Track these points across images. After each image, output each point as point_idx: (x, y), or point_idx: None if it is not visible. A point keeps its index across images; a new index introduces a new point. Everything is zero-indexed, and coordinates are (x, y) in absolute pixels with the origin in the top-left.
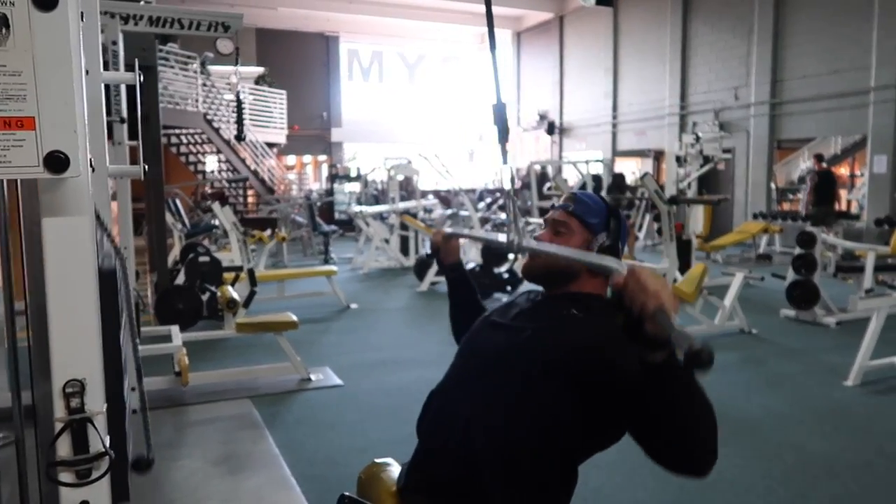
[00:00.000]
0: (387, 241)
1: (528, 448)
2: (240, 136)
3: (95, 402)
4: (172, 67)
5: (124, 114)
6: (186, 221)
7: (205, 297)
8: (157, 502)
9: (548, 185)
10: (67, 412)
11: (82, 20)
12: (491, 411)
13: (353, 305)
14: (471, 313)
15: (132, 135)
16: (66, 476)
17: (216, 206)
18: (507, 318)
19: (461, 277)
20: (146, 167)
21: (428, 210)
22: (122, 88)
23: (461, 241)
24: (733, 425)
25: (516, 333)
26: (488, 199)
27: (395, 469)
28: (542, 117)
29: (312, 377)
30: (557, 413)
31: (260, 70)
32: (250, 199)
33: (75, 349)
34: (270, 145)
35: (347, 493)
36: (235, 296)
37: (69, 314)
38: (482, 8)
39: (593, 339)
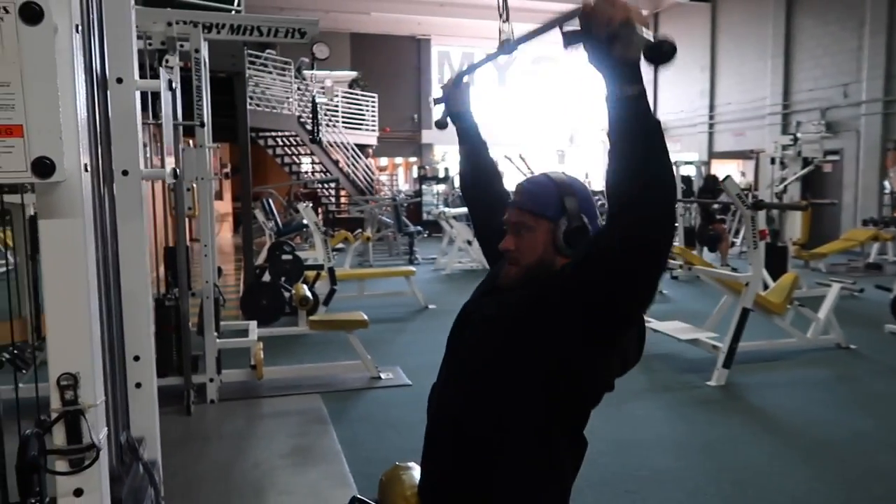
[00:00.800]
0: (469, 242)
1: (517, 420)
2: (314, 139)
3: (88, 396)
4: (270, 73)
5: (205, 118)
6: (279, 221)
7: (287, 294)
8: (221, 490)
9: None
10: (62, 403)
11: (77, 32)
12: (472, 402)
13: (432, 306)
14: (480, 169)
15: (220, 137)
16: (60, 464)
17: (301, 205)
18: (476, 306)
19: (470, 127)
20: (233, 169)
21: None
22: (205, 94)
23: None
24: (816, 446)
25: (481, 317)
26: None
27: (416, 472)
28: None
29: (382, 376)
30: (533, 367)
31: (353, 74)
32: (343, 200)
33: (69, 344)
34: (362, 147)
35: (359, 496)
36: (308, 294)
37: (63, 311)
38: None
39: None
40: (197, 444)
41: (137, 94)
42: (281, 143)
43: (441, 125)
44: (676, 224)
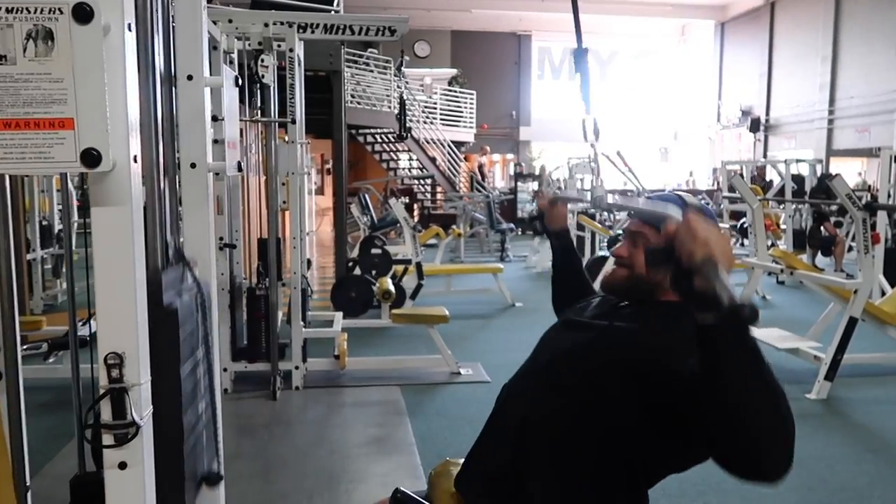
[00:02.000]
0: None
1: (586, 456)
2: (402, 135)
3: (133, 375)
4: (372, 72)
5: (298, 115)
6: (374, 215)
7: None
8: (297, 473)
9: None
10: (108, 381)
11: (130, 31)
12: (549, 412)
13: (518, 304)
14: (574, 286)
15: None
16: (106, 438)
17: (392, 200)
18: (582, 316)
19: (566, 245)
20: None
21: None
22: (298, 92)
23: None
24: None
25: (584, 332)
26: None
27: None
28: (745, 113)
29: (462, 371)
30: (617, 416)
31: (452, 72)
32: (439, 196)
33: (115, 325)
34: (459, 144)
35: (402, 489)
36: (391, 287)
37: (111, 292)
38: None
39: (656, 340)
40: (279, 429)
41: (207, 91)
42: (380, 139)
43: (536, 231)
44: (774, 228)
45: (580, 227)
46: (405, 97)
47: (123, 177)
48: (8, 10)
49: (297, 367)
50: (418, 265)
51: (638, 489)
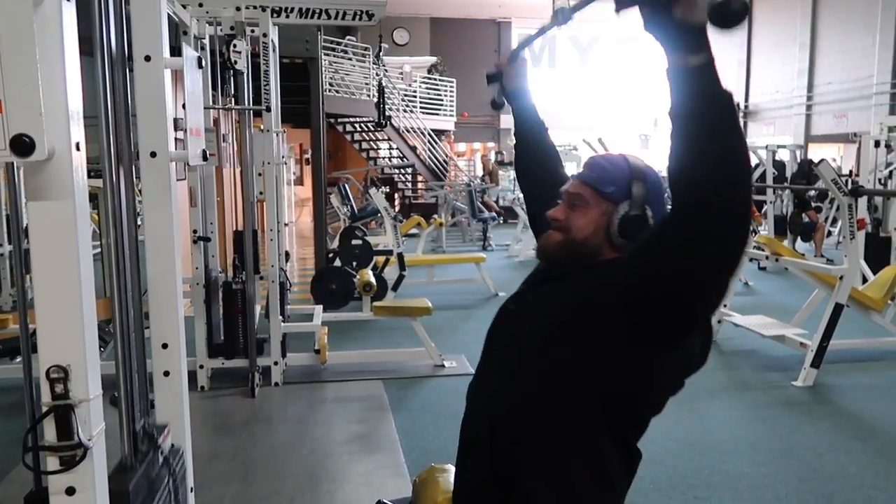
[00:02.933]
0: None
1: (559, 427)
2: (380, 123)
3: (80, 390)
4: (350, 59)
5: (274, 103)
6: (354, 206)
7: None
8: (277, 473)
9: None
10: (52, 397)
11: (68, 1)
12: (513, 403)
13: (502, 293)
14: (538, 156)
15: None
16: (51, 462)
17: (372, 190)
18: (518, 301)
19: (527, 105)
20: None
21: None
22: (273, 79)
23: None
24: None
25: (523, 313)
26: None
27: (451, 474)
28: None
29: (446, 364)
30: (578, 372)
31: (432, 59)
32: (420, 186)
33: (59, 335)
34: (439, 132)
35: (384, 500)
36: (372, 279)
37: (52, 298)
38: None
39: (588, 280)
40: (258, 427)
41: (167, 74)
42: (359, 128)
43: (497, 106)
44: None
45: None
46: (384, 85)
47: (64, 167)
48: None
49: (275, 363)
50: (400, 256)
51: (626, 444)
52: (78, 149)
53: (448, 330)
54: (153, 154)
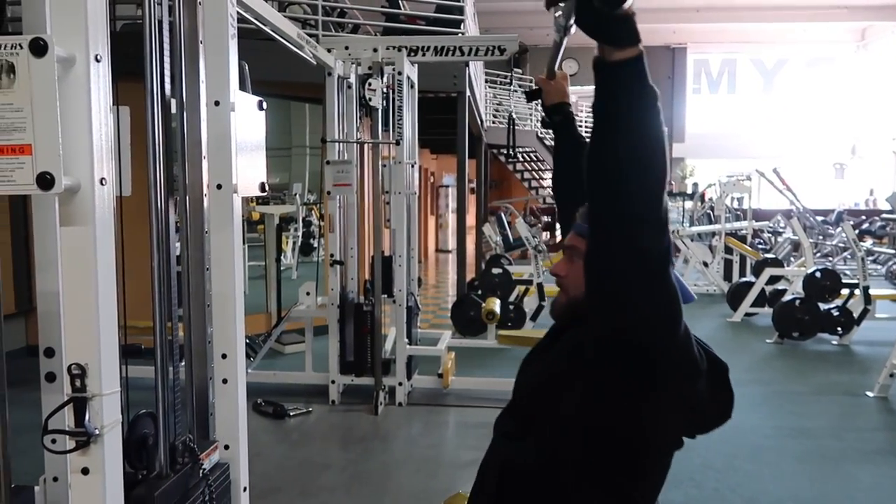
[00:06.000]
0: (705, 264)
1: (553, 477)
2: (508, 154)
3: (95, 385)
4: (516, 91)
5: (407, 136)
6: (510, 235)
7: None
8: (377, 491)
9: None
10: (72, 390)
11: (97, 61)
12: (520, 449)
13: None
14: (577, 169)
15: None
16: (70, 443)
17: (518, 220)
18: (535, 350)
19: (567, 121)
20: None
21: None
22: (406, 114)
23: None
24: None
25: (532, 369)
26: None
27: None
28: None
29: None
30: (584, 419)
31: None
32: None
33: (79, 338)
34: None
35: None
36: (496, 308)
37: (75, 307)
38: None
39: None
40: (374, 443)
41: (232, 115)
42: (521, 158)
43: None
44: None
45: (728, 249)
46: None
47: (87, 198)
48: None
49: (400, 384)
50: (539, 286)
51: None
52: (102, 183)
53: None
54: (219, 186)
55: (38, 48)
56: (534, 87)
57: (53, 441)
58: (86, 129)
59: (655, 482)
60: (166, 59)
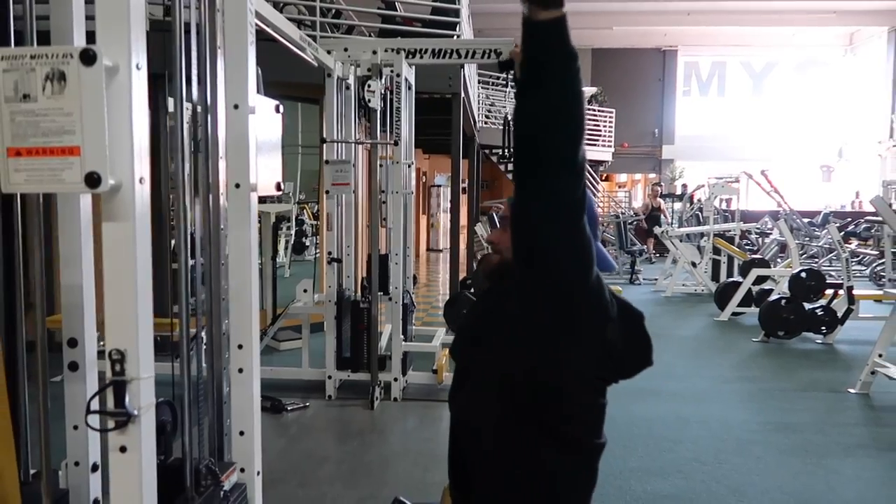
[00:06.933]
0: (694, 264)
1: (494, 425)
2: (501, 155)
3: (133, 370)
4: (509, 92)
5: (404, 137)
6: None
7: None
8: (375, 482)
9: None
10: (112, 374)
11: (138, 69)
12: (465, 407)
13: None
14: None
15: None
16: (110, 423)
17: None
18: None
19: None
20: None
21: (756, 233)
22: (404, 115)
23: None
24: None
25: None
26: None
27: None
28: None
29: None
30: (507, 365)
31: (592, 90)
32: None
33: (120, 326)
34: (596, 164)
35: (401, 498)
36: None
37: (117, 297)
38: (849, 4)
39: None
40: (372, 437)
41: (251, 118)
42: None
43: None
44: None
45: (716, 250)
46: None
47: (128, 196)
48: (32, 57)
49: (395, 379)
50: None
51: (565, 439)
52: (141, 182)
53: None
54: (237, 185)
55: (88, 58)
56: (508, 58)
57: (92, 423)
58: (127, 133)
59: (586, 422)
60: (193, 64)
